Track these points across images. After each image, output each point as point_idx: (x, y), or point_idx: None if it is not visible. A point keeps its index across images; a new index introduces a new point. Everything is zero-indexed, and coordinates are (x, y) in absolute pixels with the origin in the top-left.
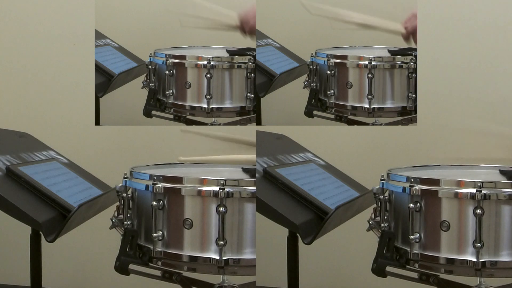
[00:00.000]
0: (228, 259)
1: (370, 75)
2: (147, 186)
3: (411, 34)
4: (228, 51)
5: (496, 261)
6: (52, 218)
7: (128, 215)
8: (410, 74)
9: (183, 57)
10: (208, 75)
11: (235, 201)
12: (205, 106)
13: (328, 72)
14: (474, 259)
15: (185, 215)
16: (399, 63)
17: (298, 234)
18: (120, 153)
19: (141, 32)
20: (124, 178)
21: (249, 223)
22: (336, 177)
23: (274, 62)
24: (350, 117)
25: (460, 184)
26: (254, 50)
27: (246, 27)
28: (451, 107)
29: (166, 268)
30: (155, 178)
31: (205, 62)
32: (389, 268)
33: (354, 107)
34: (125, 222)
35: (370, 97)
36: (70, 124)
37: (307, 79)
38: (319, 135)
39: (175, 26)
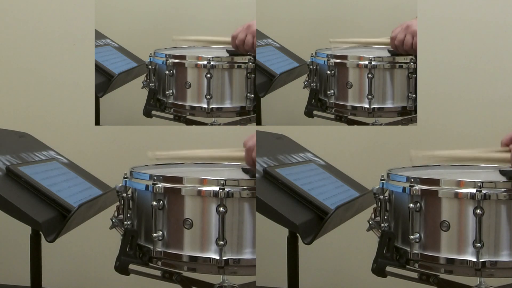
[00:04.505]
0: (228, 259)
1: (370, 75)
2: (147, 186)
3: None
4: (228, 51)
5: (496, 261)
6: (52, 218)
7: (128, 215)
8: (410, 74)
9: (183, 57)
10: (208, 75)
11: (235, 201)
12: (205, 106)
13: (328, 72)
14: (474, 259)
15: (185, 215)
16: (399, 63)
17: (298, 234)
18: (120, 153)
19: (141, 32)
20: (124, 178)
21: (249, 223)
22: (336, 177)
23: (274, 62)
24: (350, 117)
25: (460, 184)
26: (249, 53)
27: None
28: (451, 107)
29: (166, 268)
30: (155, 178)
31: (205, 62)
32: (389, 268)
33: (354, 107)
34: (125, 222)
35: (370, 97)
36: (70, 124)
37: (307, 79)
38: (319, 135)
39: (175, 26)
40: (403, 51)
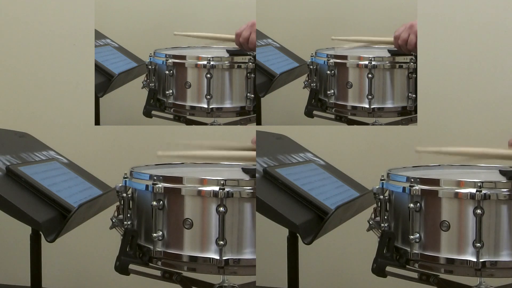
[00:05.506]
0: (228, 259)
1: (370, 75)
2: (147, 186)
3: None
4: (228, 51)
5: (496, 261)
6: (52, 218)
7: (128, 215)
8: (410, 74)
9: (183, 57)
10: (208, 75)
11: (235, 201)
12: (205, 106)
13: (328, 72)
14: (474, 259)
15: (185, 215)
16: (399, 63)
17: (298, 234)
18: (120, 153)
19: (141, 32)
20: (124, 178)
21: (249, 223)
22: (336, 177)
23: (274, 62)
24: (350, 117)
25: (460, 184)
26: (252, 50)
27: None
28: (451, 107)
29: (166, 268)
30: (155, 178)
31: (205, 62)
32: (389, 268)
33: (354, 107)
34: (125, 222)
35: (370, 97)
36: (70, 124)
37: (307, 79)
38: (319, 135)
39: (175, 26)
40: (407, 50)
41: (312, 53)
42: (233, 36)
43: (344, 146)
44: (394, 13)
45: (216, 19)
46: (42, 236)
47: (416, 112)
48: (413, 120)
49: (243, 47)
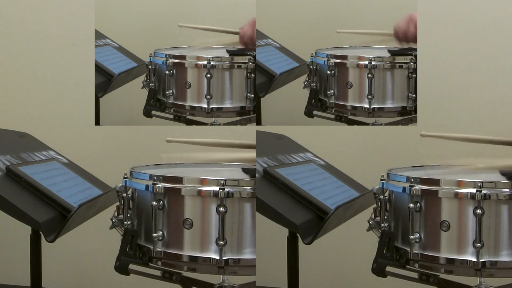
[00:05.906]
0: (228, 259)
1: (370, 75)
2: (147, 186)
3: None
4: (228, 51)
5: (496, 261)
6: (52, 218)
7: (128, 215)
8: (410, 74)
9: (183, 57)
10: (208, 75)
11: (235, 201)
12: (205, 106)
13: (328, 72)
14: (474, 259)
15: (185, 215)
16: (399, 63)
17: (298, 234)
18: (120, 153)
19: (141, 32)
20: (124, 178)
21: (249, 223)
22: (336, 177)
23: (274, 62)
24: (350, 117)
25: (460, 184)
26: (254, 50)
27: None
28: (451, 107)
29: (166, 268)
30: (155, 178)
31: (205, 62)
32: (389, 268)
33: (354, 107)
34: (125, 222)
35: (370, 97)
36: (70, 124)
37: (307, 79)
38: (319, 135)
39: (175, 26)
40: (405, 40)
41: (312, 53)
42: (237, 30)
43: (344, 146)
44: (394, 13)
45: (216, 19)
46: (42, 236)
47: (416, 112)
48: (413, 120)
49: (248, 46)
